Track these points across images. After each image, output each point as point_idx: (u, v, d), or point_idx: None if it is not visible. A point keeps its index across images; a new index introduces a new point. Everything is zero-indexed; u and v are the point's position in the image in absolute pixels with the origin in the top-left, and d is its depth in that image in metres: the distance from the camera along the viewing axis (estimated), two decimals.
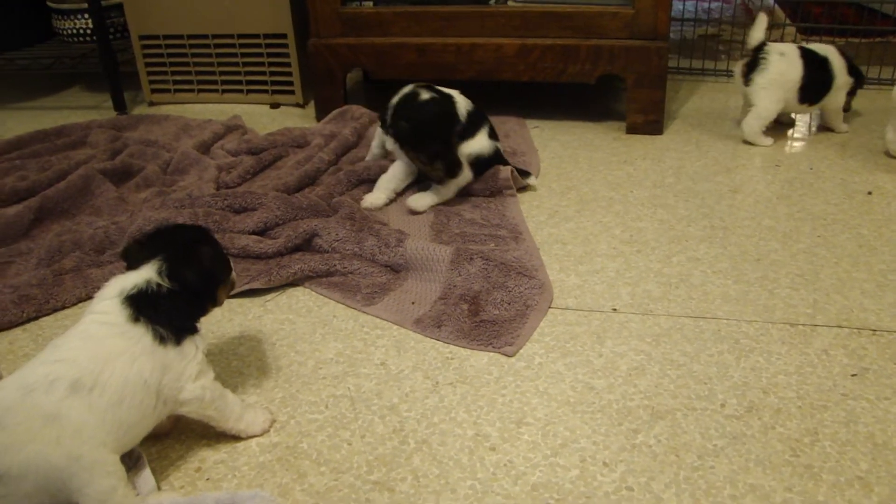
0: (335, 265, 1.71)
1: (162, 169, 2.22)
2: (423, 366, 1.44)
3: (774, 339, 1.48)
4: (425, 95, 1.95)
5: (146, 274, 1.19)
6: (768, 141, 2.32)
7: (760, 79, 2.26)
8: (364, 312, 1.60)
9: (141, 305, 1.16)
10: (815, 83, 2.28)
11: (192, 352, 1.19)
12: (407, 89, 1.99)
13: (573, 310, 1.58)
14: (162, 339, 1.16)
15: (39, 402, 1.07)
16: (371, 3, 2.48)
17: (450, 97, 2.01)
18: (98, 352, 1.12)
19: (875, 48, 2.86)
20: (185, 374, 1.18)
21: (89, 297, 1.67)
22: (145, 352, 1.15)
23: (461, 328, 1.51)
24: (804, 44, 2.34)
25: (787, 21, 3.07)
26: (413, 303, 1.60)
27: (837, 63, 2.31)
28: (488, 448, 1.25)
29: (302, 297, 1.66)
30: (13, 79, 3.11)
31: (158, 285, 1.18)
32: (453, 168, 1.94)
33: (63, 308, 1.65)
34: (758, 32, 2.27)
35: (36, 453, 1.05)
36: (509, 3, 2.42)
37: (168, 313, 1.17)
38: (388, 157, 2.11)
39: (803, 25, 2.95)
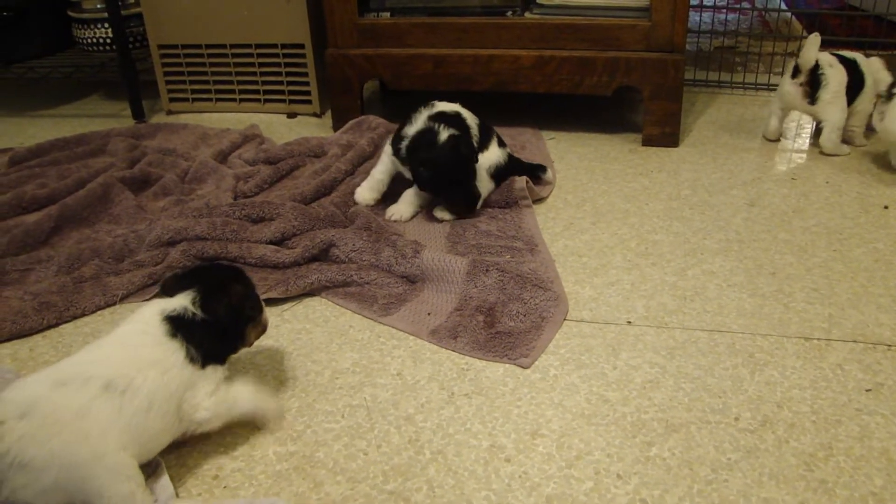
0: (352, 276, 1.72)
1: (180, 178, 2.24)
2: (439, 377, 1.45)
3: (789, 354, 1.48)
4: (443, 134, 1.91)
5: (183, 301, 1.26)
6: (846, 149, 2.36)
7: (826, 94, 2.29)
8: (380, 323, 1.61)
9: (178, 325, 1.23)
10: (852, 85, 2.32)
11: (213, 375, 1.25)
12: (421, 123, 1.95)
13: (588, 322, 1.59)
14: (192, 359, 1.22)
15: (71, 397, 1.11)
16: (388, 14, 2.49)
17: (460, 119, 1.99)
18: (134, 358, 1.18)
19: (893, 60, 2.85)
20: (203, 391, 1.23)
21: (108, 305, 1.69)
22: (176, 365, 1.20)
23: (477, 339, 1.52)
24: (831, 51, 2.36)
25: (805, 33, 3.07)
26: (429, 314, 1.61)
27: (865, 65, 2.36)
28: (503, 459, 1.25)
29: (319, 307, 1.67)
30: (34, 87, 3.14)
31: (193, 313, 1.25)
32: (472, 206, 1.98)
33: (83, 315, 1.67)
34: (811, 53, 2.28)
35: (61, 447, 1.07)
36: (526, 14, 2.43)
37: (200, 338, 1.24)
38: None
39: (821, 38, 2.94)
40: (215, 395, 1.24)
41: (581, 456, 1.26)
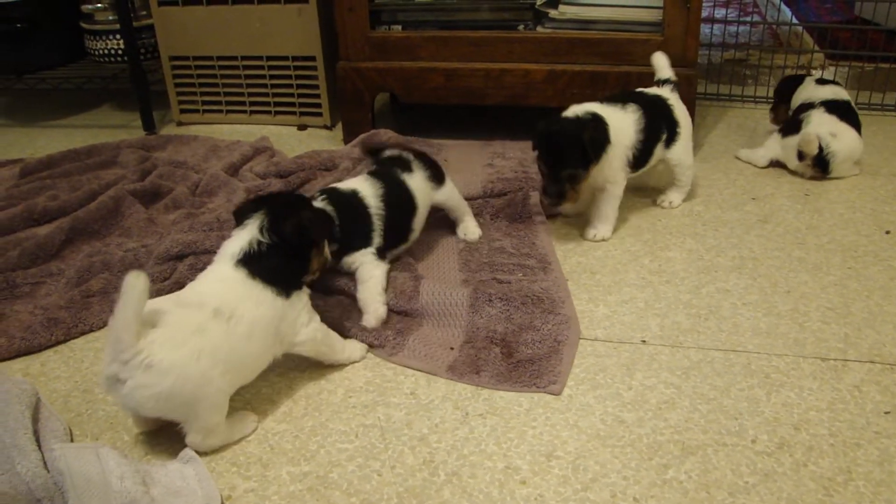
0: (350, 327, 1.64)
1: (191, 190, 2.23)
2: (453, 396, 1.44)
3: (805, 374, 1.47)
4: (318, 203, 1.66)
5: (249, 233, 1.38)
6: (856, 169, 2.31)
7: (836, 167, 2.23)
8: (390, 362, 1.55)
9: (252, 266, 1.35)
10: (855, 125, 2.28)
11: (299, 303, 1.40)
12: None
13: (602, 341, 1.58)
14: (276, 294, 1.35)
15: (192, 315, 1.27)
16: (400, 28, 2.48)
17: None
18: (232, 291, 1.33)
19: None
20: (298, 321, 1.40)
21: None
22: (266, 300, 1.34)
23: (500, 372, 1.49)
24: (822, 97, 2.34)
25: (816, 47, 3.06)
26: (448, 348, 1.57)
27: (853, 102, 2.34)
28: (518, 481, 1.24)
29: None
30: (45, 97, 3.14)
31: (259, 243, 1.37)
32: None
33: (90, 332, 1.67)
34: (812, 148, 2.19)
35: (182, 360, 1.22)
36: (538, 28, 2.42)
37: (275, 272, 1.36)
38: None
39: (831, 52, 2.94)
40: (312, 321, 1.42)
41: (597, 478, 1.24)
